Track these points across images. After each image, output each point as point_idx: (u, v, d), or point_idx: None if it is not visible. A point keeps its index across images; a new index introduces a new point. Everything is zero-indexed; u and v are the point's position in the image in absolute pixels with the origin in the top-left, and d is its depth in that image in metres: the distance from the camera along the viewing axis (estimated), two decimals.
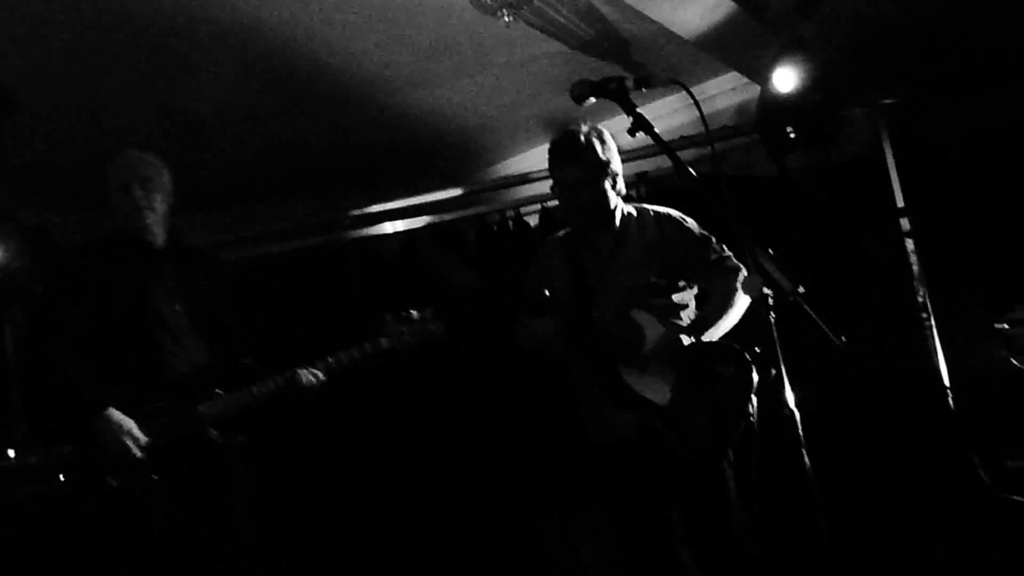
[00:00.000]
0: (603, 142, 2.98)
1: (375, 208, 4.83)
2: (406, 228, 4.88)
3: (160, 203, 3.09)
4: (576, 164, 2.94)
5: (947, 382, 3.84)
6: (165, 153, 3.62)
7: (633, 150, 4.17)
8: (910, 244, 4.01)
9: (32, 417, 4.10)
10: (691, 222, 3.09)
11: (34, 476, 3.63)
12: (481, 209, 4.78)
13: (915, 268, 3.99)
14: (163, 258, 3.12)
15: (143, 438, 2.80)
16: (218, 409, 2.94)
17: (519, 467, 4.15)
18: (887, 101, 4.03)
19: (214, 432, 2.93)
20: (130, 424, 2.80)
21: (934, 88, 4.17)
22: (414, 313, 3.09)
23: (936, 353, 3.88)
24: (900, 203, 4.07)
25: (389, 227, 4.91)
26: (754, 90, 4.27)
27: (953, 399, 3.82)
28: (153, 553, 2.83)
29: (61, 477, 3.60)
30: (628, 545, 3.03)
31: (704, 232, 3.06)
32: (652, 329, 2.89)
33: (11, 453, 3.61)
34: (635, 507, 2.96)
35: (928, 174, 4.19)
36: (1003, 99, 4.22)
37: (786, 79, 3.76)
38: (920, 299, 3.95)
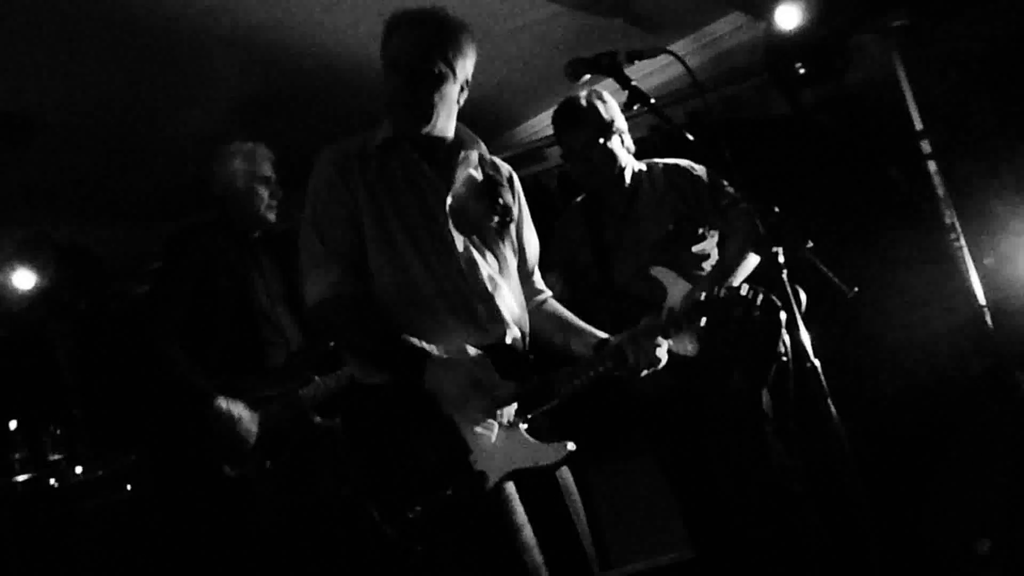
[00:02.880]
0: (604, 102, 3.03)
1: None
2: None
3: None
4: (581, 127, 2.99)
5: (983, 301, 3.80)
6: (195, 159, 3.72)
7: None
8: (932, 166, 3.95)
9: (94, 431, 4.27)
10: (700, 169, 3.11)
11: (103, 488, 3.80)
12: None
13: (940, 190, 3.94)
14: (259, 247, 3.24)
15: (255, 427, 2.94)
16: (316, 393, 3.08)
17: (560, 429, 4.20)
18: (896, 23, 3.93)
19: (316, 416, 3.07)
20: (240, 410, 2.94)
21: (945, 2, 4.06)
22: None
23: (969, 273, 3.85)
24: (919, 125, 4.00)
25: None
26: (762, 26, 4.20)
27: (991, 317, 3.80)
28: (264, 540, 2.98)
29: (128, 487, 3.77)
30: (674, 496, 3.10)
31: (714, 177, 3.07)
32: (673, 284, 2.92)
33: (78, 470, 3.76)
34: (677, 458, 3.02)
35: (945, 92, 4.10)
36: None
37: (789, 15, 3.71)
38: (948, 220, 3.91)
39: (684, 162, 3.15)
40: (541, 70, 4.63)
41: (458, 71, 2.22)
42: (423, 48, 2.16)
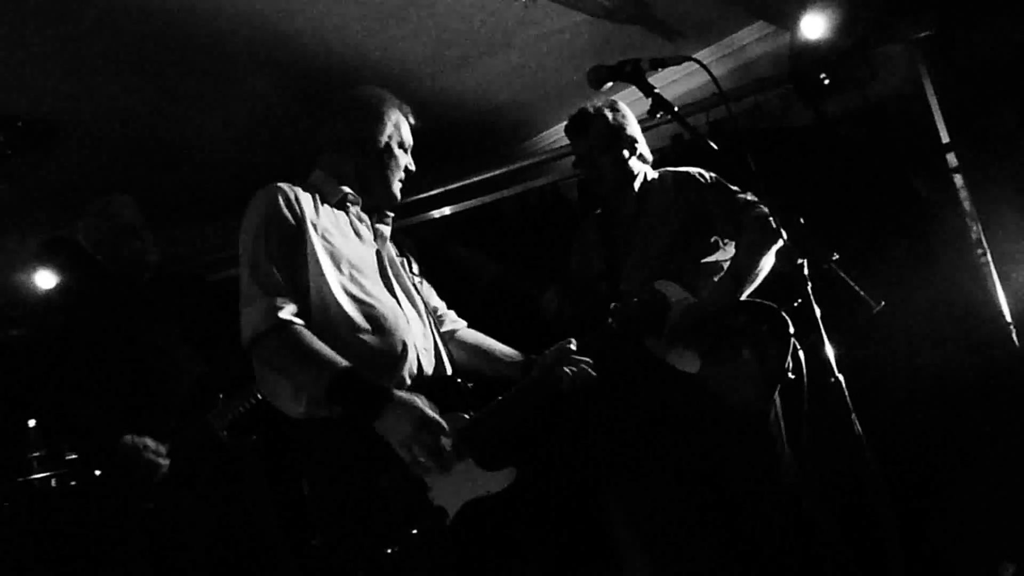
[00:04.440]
0: (615, 110, 3.04)
1: (414, 197, 4.86)
2: (452, 212, 4.91)
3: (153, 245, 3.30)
4: (588, 134, 3.03)
5: (1009, 317, 3.74)
6: (217, 164, 3.73)
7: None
8: (959, 179, 3.89)
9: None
10: (710, 176, 3.07)
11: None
12: (519, 188, 4.79)
13: (966, 204, 3.88)
14: (150, 289, 3.28)
15: (163, 448, 2.96)
16: (224, 414, 3.15)
17: (571, 447, 4.15)
18: (922, 34, 3.88)
19: (226, 436, 3.10)
20: (146, 440, 2.96)
21: (969, 12, 4.01)
22: None
23: (995, 288, 3.78)
24: (945, 138, 3.94)
25: (436, 213, 4.96)
26: (785, 36, 4.18)
27: (1017, 334, 3.73)
28: (194, 559, 3.02)
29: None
30: (686, 513, 3.05)
31: (724, 184, 3.04)
32: (676, 298, 2.88)
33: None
34: (686, 474, 2.97)
35: (972, 103, 4.04)
36: None
37: (815, 25, 3.67)
38: (974, 235, 3.84)
39: (694, 169, 3.12)
40: (562, 79, 4.63)
41: None
42: (410, 142, 2.46)
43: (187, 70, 3.89)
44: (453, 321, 2.65)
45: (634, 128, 3.06)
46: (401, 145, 2.39)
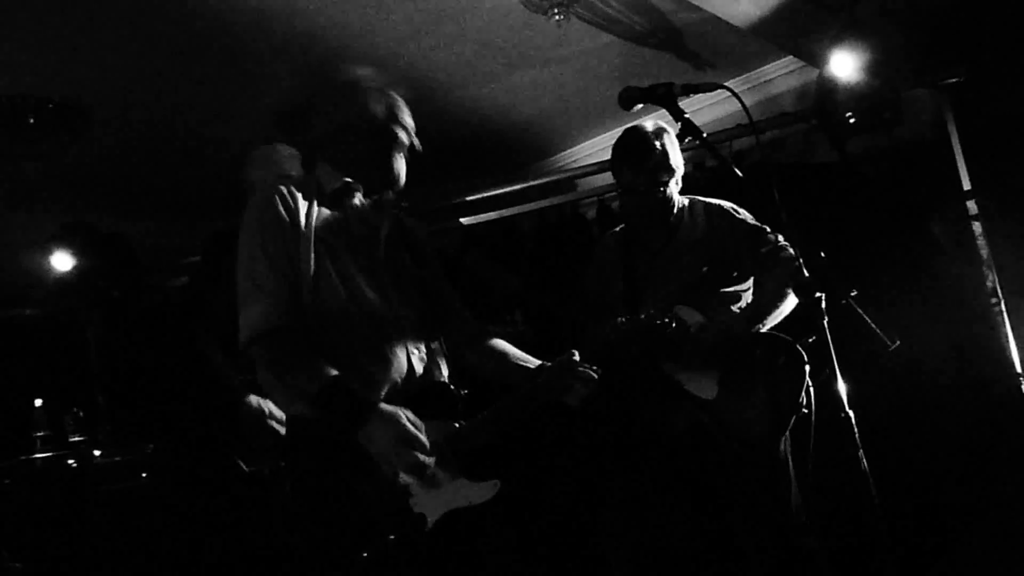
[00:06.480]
0: (672, 143, 2.95)
1: (434, 206, 4.89)
2: (470, 223, 4.94)
3: None
4: (644, 170, 2.93)
5: (1019, 368, 3.73)
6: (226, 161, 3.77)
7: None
8: (977, 227, 3.90)
9: (115, 418, 4.30)
10: (743, 213, 3.07)
11: (119, 474, 3.82)
12: (539, 204, 4.82)
13: (983, 252, 3.88)
14: None
15: (282, 426, 2.91)
16: None
17: (576, 466, 4.16)
18: (951, 80, 3.90)
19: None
20: (270, 406, 2.91)
21: (1000, 62, 4.03)
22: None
23: (1007, 339, 3.78)
24: (966, 185, 3.95)
25: (454, 223, 4.99)
26: (813, 72, 4.20)
27: None
28: (275, 534, 2.99)
29: (144, 475, 3.79)
30: (689, 541, 3.05)
31: (756, 223, 3.03)
32: (696, 324, 2.88)
33: (96, 453, 3.79)
34: (694, 502, 2.97)
35: (996, 153, 4.05)
36: None
37: (844, 64, 3.68)
38: (989, 284, 3.84)
39: (728, 204, 3.10)
40: (589, 99, 4.66)
41: None
42: (409, 122, 2.35)
43: (219, 64, 3.93)
44: (465, 323, 2.56)
45: (680, 161, 3.01)
46: (395, 121, 2.31)
